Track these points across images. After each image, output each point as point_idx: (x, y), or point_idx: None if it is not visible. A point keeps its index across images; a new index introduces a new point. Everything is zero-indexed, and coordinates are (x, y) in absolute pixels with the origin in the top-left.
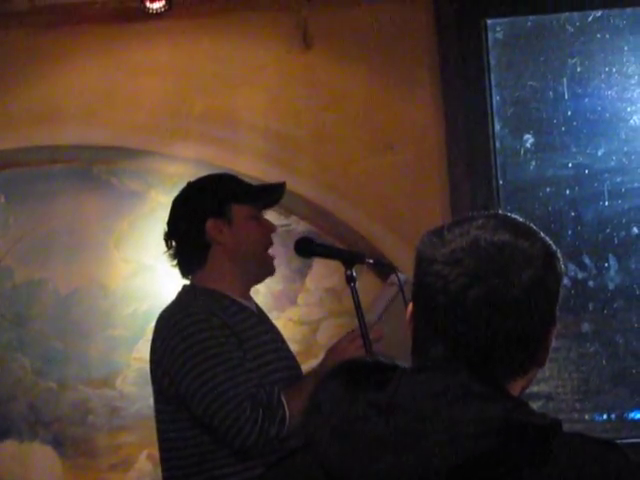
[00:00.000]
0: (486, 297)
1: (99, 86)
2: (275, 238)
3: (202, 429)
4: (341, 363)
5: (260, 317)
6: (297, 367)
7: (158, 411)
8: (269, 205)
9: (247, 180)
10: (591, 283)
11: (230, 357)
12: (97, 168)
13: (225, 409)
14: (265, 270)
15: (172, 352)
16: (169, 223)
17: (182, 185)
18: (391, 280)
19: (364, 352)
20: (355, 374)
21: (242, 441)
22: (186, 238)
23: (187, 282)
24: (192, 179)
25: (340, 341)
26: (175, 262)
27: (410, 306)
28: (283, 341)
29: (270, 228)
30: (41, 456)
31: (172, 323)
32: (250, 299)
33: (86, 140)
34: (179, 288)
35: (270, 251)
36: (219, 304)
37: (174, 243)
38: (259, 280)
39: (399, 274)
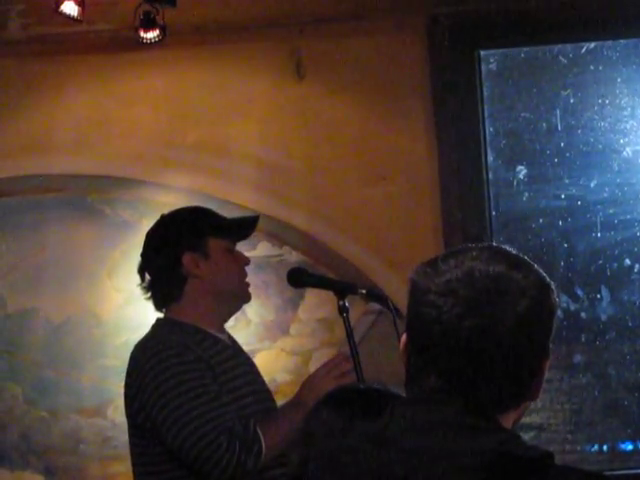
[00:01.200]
0: (480, 328)
1: (92, 115)
2: (267, 268)
3: (176, 463)
4: (333, 391)
5: (234, 349)
6: (271, 400)
7: (133, 444)
8: (243, 238)
9: (239, 211)
10: (583, 314)
11: (206, 391)
12: (90, 197)
13: (202, 442)
14: (242, 300)
15: (147, 386)
16: (144, 255)
17: None
18: (368, 308)
19: (342, 382)
20: (348, 403)
21: (219, 473)
22: (162, 271)
23: (160, 315)
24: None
25: (316, 372)
26: (149, 295)
27: (404, 337)
28: (258, 374)
29: (244, 260)
30: None
31: (147, 357)
32: (224, 332)
33: (79, 169)
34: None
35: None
36: (193, 338)
37: (148, 276)
38: (235, 311)
39: (390, 303)
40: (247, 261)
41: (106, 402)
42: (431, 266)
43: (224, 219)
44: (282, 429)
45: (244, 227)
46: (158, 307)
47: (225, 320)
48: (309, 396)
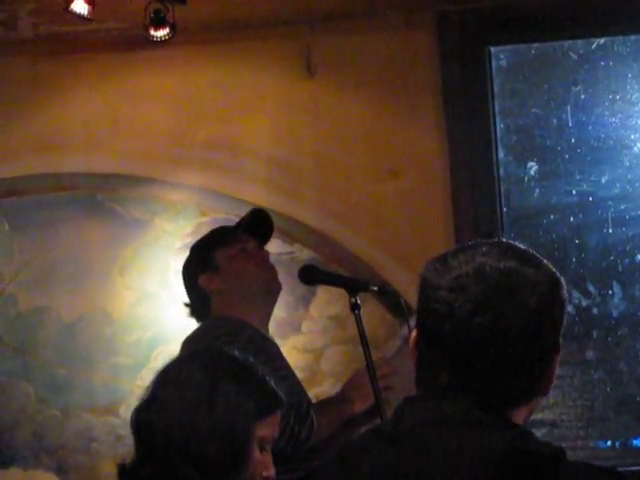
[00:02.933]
0: (492, 323)
1: (103, 114)
2: (279, 266)
3: None
4: None
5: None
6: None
7: None
8: (260, 234)
9: (246, 209)
10: (595, 310)
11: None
12: (101, 196)
13: None
14: (270, 292)
15: None
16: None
17: (186, 213)
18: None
19: (383, 384)
20: None
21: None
22: (190, 296)
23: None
24: (197, 207)
25: (361, 372)
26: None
27: (414, 333)
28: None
29: (261, 255)
30: None
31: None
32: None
33: (90, 168)
34: (183, 315)
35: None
36: (243, 335)
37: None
38: (271, 306)
39: (402, 300)
40: (265, 254)
41: (118, 400)
42: (441, 262)
43: (229, 227)
44: (326, 418)
45: (248, 224)
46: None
47: (265, 319)
48: (354, 394)
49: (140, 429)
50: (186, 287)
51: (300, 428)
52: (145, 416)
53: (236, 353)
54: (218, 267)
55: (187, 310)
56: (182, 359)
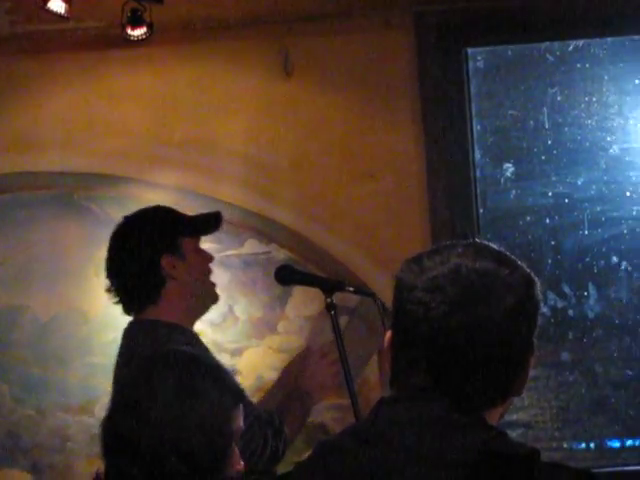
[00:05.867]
0: (468, 324)
1: (79, 113)
2: (255, 266)
3: None
4: None
5: None
6: None
7: None
8: (208, 234)
9: (227, 208)
10: (571, 312)
11: None
12: (77, 195)
13: None
14: (211, 300)
15: None
16: (114, 260)
17: None
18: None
19: (335, 369)
20: None
21: (256, 461)
22: (139, 275)
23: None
24: (175, 206)
25: (307, 360)
26: (119, 299)
27: (388, 334)
28: None
29: (210, 257)
30: None
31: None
32: None
33: (66, 167)
34: (126, 327)
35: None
36: (185, 337)
37: (118, 280)
38: (206, 310)
39: (378, 300)
40: (212, 258)
41: (93, 400)
42: (416, 263)
43: (191, 217)
44: (295, 419)
45: (211, 223)
46: (130, 310)
47: (195, 322)
48: (311, 385)
49: (121, 438)
50: (137, 265)
51: (278, 443)
52: (126, 425)
53: (195, 352)
54: (184, 255)
55: (114, 298)
56: (150, 361)
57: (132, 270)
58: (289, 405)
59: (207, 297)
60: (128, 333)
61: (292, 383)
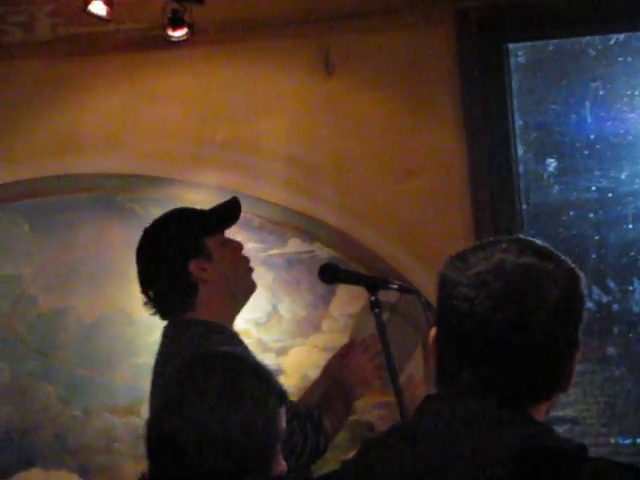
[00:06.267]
0: (513, 319)
1: (121, 114)
2: (299, 265)
3: None
4: None
5: None
6: None
7: None
8: (230, 226)
9: (270, 208)
10: (616, 307)
11: None
12: (120, 197)
13: None
14: (250, 290)
15: None
16: (143, 273)
17: None
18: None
19: (376, 363)
20: None
21: (297, 456)
22: (171, 285)
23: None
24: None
25: (350, 354)
26: (156, 310)
27: (433, 331)
28: None
29: (240, 246)
30: None
31: None
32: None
33: (109, 169)
34: (165, 326)
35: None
36: (223, 337)
37: (152, 292)
38: (245, 302)
39: (422, 297)
40: (242, 245)
41: (139, 400)
42: (461, 259)
43: (210, 214)
44: (336, 413)
45: (231, 214)
46: (167, 318)
47: (236, 316)
48: (354, 379)
49: (167, 439)
50: (167, 276)
51: (318, 438)
52: (172, 426)
53: (239, 352)
54: (211, 255)
55: (151, 309)
56: (193, 362)
57: (163, 281)
58: (330, 399)
59: (243, 290)
60: (167, 332)
61: (333, 378)
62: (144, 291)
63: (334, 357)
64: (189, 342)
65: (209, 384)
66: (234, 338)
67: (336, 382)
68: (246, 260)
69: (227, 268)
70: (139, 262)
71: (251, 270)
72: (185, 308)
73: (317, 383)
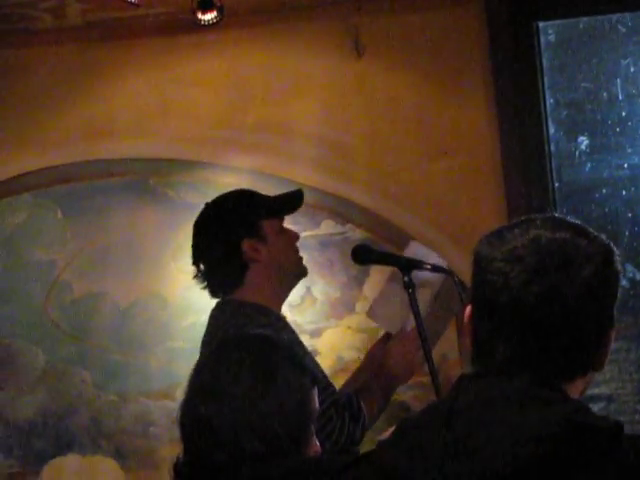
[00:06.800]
0: (548, 293)
1: (152, 98)
2: (332, 246)
3: None
4: None
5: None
6: None
7: None
8: (290, 213)
9: (303, 190)
10: None
11: None
12: (153, 181)
13: None
14: (300, 277)
15: None
16: (197, 247)
17: None
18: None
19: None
20: None
21: (332, 445)
22: (222, 260)
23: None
24: (250, 188)
25: (399, 343)
26: (205, 284)
27: (468, 309)
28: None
29: (296, 236)
30: (104, 468)
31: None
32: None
33: (141, 153)
34: (214, 307)
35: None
36: (269, 319)
37: (204, 266)
38: (294, 286)
39: (455, 277)
40: (298, 236)
41: (174, 384)
42: (495, 236)
43: (271, 198)
44: (378, 403)
45: (292, 203)
46: (217, 294)
47: (285, 300)
48: (399, 370)
49: (201, 422)
50: (220, 251)
51: (355, 428)
52: (205, 409)
53: (271, 334)
54: (265, 237)
55: (201, 283)
56: (226, 345)
57: (215, 256)
58: (371, 388)
59: (293, 273)
60: (213, 313)
61: (376, 365)
62: (195, 263)
63: (378, 343)
64: (233, 324)
65: (242, 367)
66: (280, 321)
67: (381, 371)
68: (297, 249)
69: (279, 253)
70: (195, 234)
71: (301, 258)
72: (233, 285)
73: (360, 369)
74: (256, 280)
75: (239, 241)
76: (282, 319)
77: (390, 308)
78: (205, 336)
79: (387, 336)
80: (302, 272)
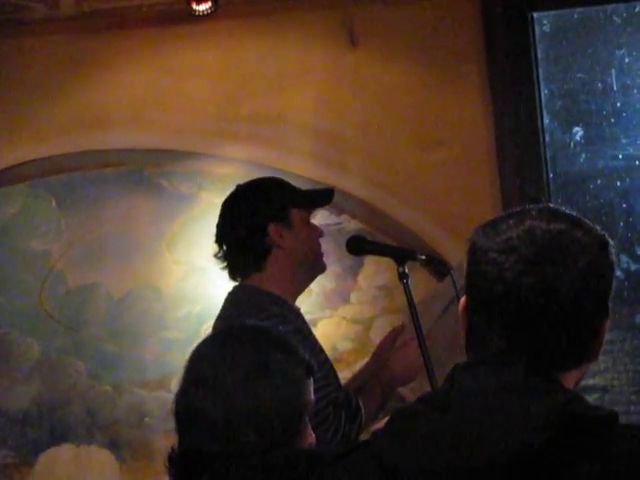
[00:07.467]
0: (542, 284)
1: (147, 89)
2: (327, 237)
3: None
4: None
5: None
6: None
7: None
8: (318, 207)
9: (297, 180)
10: None
11: None
12: (147, 171)
13: None
14: (319, 271)
15: None
16: (223, 226)
17: (232, 186)
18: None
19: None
20: None
21: (326, 444)
22: (247, 241)
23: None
24: (244, 180)
25: (407, 348)
26: (226, 264)
27: (463, 299)
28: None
29: (320, 232)
30: (98, 459)
31: None
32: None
33: (135, 143)
34: (230, 291)
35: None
36: (281, 309)
37: (226, 246)
38: (310, 282)
39: (450, 268)
40: (322, 232)
41: (169, 375)
42: (490, 226)
43: (302, 190)
44: (376, 402)
45: (322, 198)
46: (236, 276)
47: (302, 291)
48: (404, 373)
49: (195, 413)
50: (244, 231)
51: (351, 428)
52: (200, 399)
53: (266, 324)
54: (292, 225)
55: (222, 263)
56: (221, 336)
57: (239, 236)
58: (373, 389)
59: (313, 267)
60: (229, 297)
61: (385, 369)
62: (218, 242)
63: (385, 343)
64: (246, 310)
65: (237, 357)
66: (292, 312)
67: (383, 373)
68: (320, 244)
69: (303, 243)
70: (222, 213)
71: (322, 254)
72: (253, 268)
73: (365, 368)
74: (276, 267)
75: (266, 224)
76: (295, 310)
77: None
78: (218, 319)
79: (392, 338)
80: (322, 267)
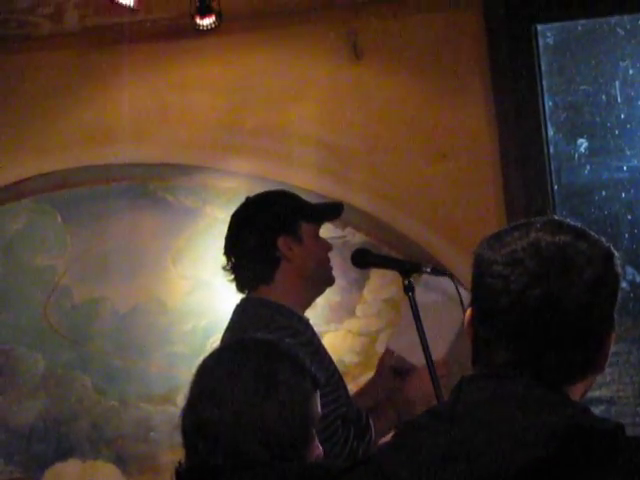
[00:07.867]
0: (548, 296)
1: (151, 104)
2: (332, 250)
3: None
4: None
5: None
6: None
7: None
8: (328, 221)
9: (301, 194)
10: None
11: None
12: (152, 186)
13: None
14: (327, 285)
15: None
16: (232, 238)
17: (237, 200)
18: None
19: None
20: None
21: (333, 458)
22: (255, 254)
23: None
24: (248, 194)
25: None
26: (234, 277)
27: (468, 312)
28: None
29: (329, 246)
30: (104, 474)
31: None
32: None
33: (140, 158)
34: (237, 302)
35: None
36: (290, 320)
37: (235, 258)
38: (320, 294)
39: (455, 280)
40: (331, 247)
41: (175, 389)
42: (495, 239)
43: (313, 204)
44: (387, 423)
45: (331, 211)
46: (244, 288)
47: (310, 304)
48: (417, 399)
49: (203, 427)
50: (253, 243)
51: (359, 444)
52: (207, 413)
53: (273, 338)
54: (301, 238)
55: (230, 275)
56: (227, 350)
57: (248, 247)
58: (386, 411)
59: (322, 280)
60: (237, 309)
61: (400, 396)
62: (227, 254)
63: (382, 359)
64: (254, 322)
65: (244, 370)
66: (301, 323)
67: (398, 398)
68: (329, 259)
69: (312, 256)
70: (231, 225)
71: (331, 268)
72: (261, 281)
73: (371, 383)
74: (284, 280)
75: (275, 236)
76: (305, 321)
77: (413, 338)
78: (226, 331)
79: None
80: (330, 281)
